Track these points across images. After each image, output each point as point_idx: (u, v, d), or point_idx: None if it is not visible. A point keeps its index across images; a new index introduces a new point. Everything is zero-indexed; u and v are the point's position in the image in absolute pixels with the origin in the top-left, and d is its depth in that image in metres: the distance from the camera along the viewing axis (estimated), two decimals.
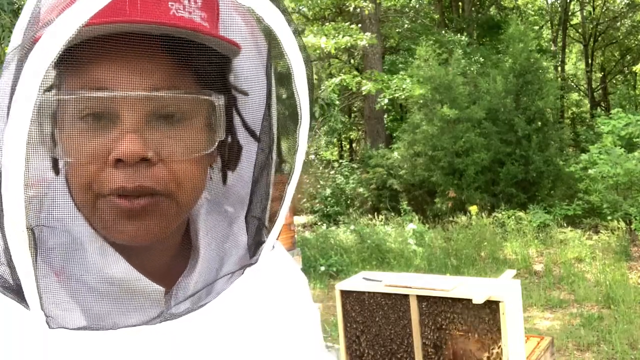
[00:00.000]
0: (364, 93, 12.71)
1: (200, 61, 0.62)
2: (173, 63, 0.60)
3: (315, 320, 0.86)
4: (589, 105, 21.92)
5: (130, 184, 0.58)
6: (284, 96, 0.66)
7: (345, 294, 2.84)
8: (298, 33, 0.62)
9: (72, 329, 0.56)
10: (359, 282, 2.88)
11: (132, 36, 0.57)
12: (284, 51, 0.61)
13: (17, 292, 0.54)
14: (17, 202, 0.50)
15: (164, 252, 0.68)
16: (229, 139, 0.70)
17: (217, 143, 0.65)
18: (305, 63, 0.63)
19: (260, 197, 0.69)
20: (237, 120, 0.71)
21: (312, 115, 0.67)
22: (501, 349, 2.48)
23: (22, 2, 8.14)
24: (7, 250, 0.52)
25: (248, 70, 0.68)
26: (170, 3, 0.59)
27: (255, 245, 0.69)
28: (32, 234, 0.53)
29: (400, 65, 15.27)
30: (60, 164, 0.64)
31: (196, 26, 0.60)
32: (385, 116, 17.18)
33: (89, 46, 0.55)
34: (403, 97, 12.40)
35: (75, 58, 0.54)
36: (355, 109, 21.52)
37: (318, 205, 13.98)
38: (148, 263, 0.65)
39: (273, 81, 0.67)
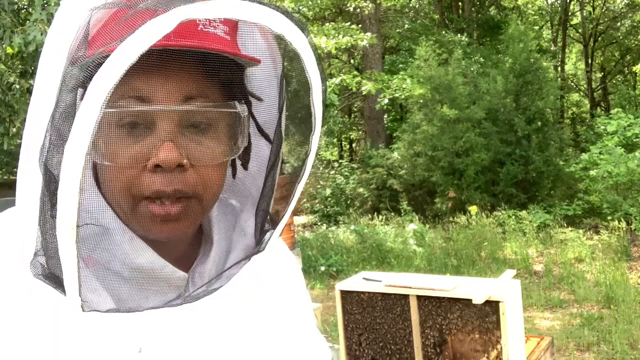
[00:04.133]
0: (364, 93, 12.71)
1: (226, 73, 0.69)
2: (202, 76, 0.68)
3: (309, 304, 0.96)
4: (589, 105, 21.92)
5: (168, 188, 0.66)
6: (300, 106, 0.73)
7: (345, 294, 2.84)
8: (317, 53, 0.70)
9: (102, 312, 0.62)
10: (359, 282, 2.89)
11: (165, 53, 0.63)
12: (306, 70, 0.68)
13: (54, 280, 0.60)
14: (73, 205, 0.56)
15: (182, 241, 0.75)
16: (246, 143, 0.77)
17: (242, 149, 0.73)
18: (322, 80, 0.71)
19: (269, 193, 0.76)
20: (252, 125, 0.78)
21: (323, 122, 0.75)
22: (501, 349, 2.48)
23: (23, 2, 8.14)
24: (53, 244, 0.58)
25: (266, 79, 0.75)
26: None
27: (262, 235, 0.76)
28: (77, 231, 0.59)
29: (400, 65, 15.28)
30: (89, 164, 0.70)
31: (223, 44, 0.67)
32: (385, 116, 17.18)
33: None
34: (403, 97, 12.40)
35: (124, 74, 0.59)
36: (355, 109, 21.53)
37: (318, 205, 13.98)
38: (169, 251, 0.71)
39: (288, 93, 0.74)
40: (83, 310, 0.61)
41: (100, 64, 0.55)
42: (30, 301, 0.67)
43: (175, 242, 0.73)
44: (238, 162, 0.80)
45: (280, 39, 0.67)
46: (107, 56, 0.56)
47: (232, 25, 0.69)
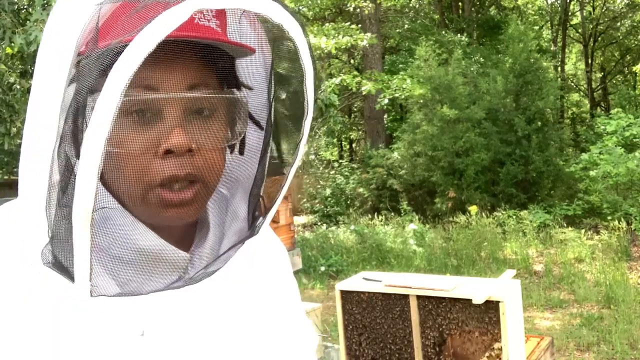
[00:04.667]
0: (364, 93, 12.71)
1: (222, 62, 0.73)
2: (202, 65, 0.71)
3: (295, 287, 0.99)
4: (589, 105, 21.92)
5: (181, 172, 0.69)
6: (293, 92, 0.76)
7: (345, 294, 2.84)
8: (309, 39, 0.73)
9: (110, 296, 0.64)
10: (359, 282, 2.89)
11: (170, 43, 0.65)
12: (301, 57, 0.72)
13: (62, 268, 0.62)
14: (92, 192, 0.58)
15: (180, 225, 0.77)
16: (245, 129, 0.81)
17: (244, 133, 0.77)
18: (314, 67, 0.74)
19: (261, 178, 0.79)
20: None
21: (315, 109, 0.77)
22: (501, 349, 2.49)
23: (23, 2, 8.14)
24: (64, 230, 0.60)
25: (258, 69, 0.79)
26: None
27: (254, 220, 0.79)
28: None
29: (400, 66, 15.28)
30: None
31: (216, 34, 0.70)
32: (385, 116, 17.18)
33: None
34: (403, 97, 12.40)
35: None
36: (355, 109, 21.53)
37: (318, 205, 13.98)
38: (168, 236, 0.73)
39: (280, 79, 0.77)
40: (91, 296, 0.62)
41: (119, 53, 0.58)
42: (30, 301, 0.68)
43: (174, 226, 0.76)
44: (235, 151, 0.83)
45: (278, 29, 0.70)
46: (125, 46, 0.58)
47: (222, 19, 0.73)
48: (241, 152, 0.82)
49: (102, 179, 0.69)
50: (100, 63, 0.59)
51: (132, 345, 0.70)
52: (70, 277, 0.61)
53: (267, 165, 0.78)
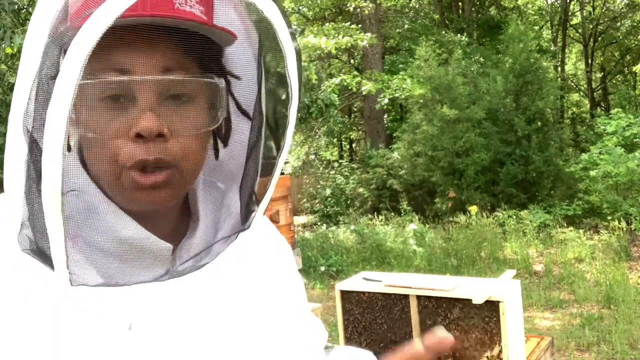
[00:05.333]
0: (364, 93, 12.72)
1: (203, 48, 0.71)
2: (180, 50, 0.70)
3: (300, 284, 0.97)
4: (589, 105, 21.91)
5: (150, 156, 0.67)
6: (276, 78, 0.74)
7: (345, 294, 2.84)
8: (290, 25, 0.71)
9: (91, 286, 0.63)
10: (359, 282, 2.89)
11: (145, 27, 0.66)
12: (280, 40, 0.70)
13: (41, 254, 0.61)
14: (57, 170, 0.58)
15: (168, 218, 0.77)
16: (224, 119, 0.79)
17: (221, 120, 0.75)
18: (296, 51, 0.72)
19: (252, 170, 0.77)
20: (231, 102, 0.80)
21: (301, 94, 0.75)
22: (501, 349, 2.49)
23: (23, 2, 8.15)
24: (39, 214, 0.59)
25: (243, 57, 0.77)
26: None
27: (247, 213, 0.77)
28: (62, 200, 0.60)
29: (400, 66, 15.27)
30: (73, 139, 0.72)
31: (198, 18, 0.69)
32: (385, 116, 17.18)
33: (110, 35, 0.61)
34: (403, 97, 12.40)
35: (100, 45, 0.60)
36: (355, 109, 21.52)
37: (318, 205, 13.98)
38: (155, 227, 0.72)
39: (264, 66, 0.75)
40: (72, 285, 0.62)
41: (74, 34, 0.58)
42: (30, 301, 0.67)
43: (162, 217, 0.75)
44: (220, 142, 0.81)
45: (250, 6, 0.69)
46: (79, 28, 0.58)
47: (208, 5, 0.72)
48: (225, 143, 0.81)
49: (85, 166, 0.70)
50: (60, 44, 0.60)
51: (119, 339, 0.69)
52: (50, 264, 0.61)
53: (260, 156, 0.76)
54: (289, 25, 0.71)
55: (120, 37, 0.64)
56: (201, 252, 0.74)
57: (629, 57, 22.71)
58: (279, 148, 0.76)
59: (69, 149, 0.70)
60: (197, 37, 0.70)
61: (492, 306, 2.50)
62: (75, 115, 0.65)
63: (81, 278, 0.63)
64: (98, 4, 0.58)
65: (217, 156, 0.82)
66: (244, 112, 0.79)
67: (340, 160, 18.39)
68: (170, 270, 0.71)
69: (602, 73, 23.61)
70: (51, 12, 0.63)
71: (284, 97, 0.74)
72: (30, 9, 7.63)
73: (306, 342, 0.94)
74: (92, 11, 0.58)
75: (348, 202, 13.84)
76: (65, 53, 0.58)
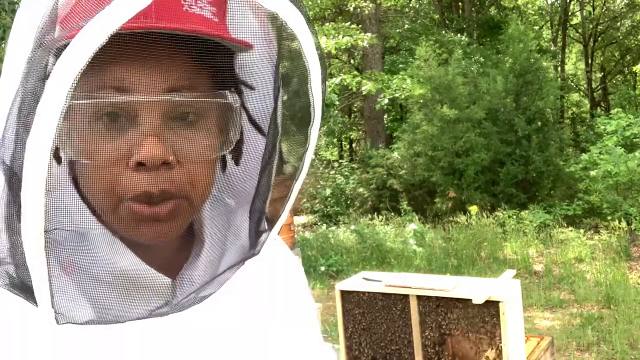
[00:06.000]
0: (364, 93, 12.71)
1: (215, 60, 0.62)
2: (188, 63, 0.61)
3: (313, 313, 0.87)
4: (589, 105, 21.91)
5: (154, 188, 0.59)
6: (297, 95, 0.66)
7: (345, 294, 2.84)
8: (316, 35, 0.63)
9: (80, 324, 0.56)
10: (359, 282, 2.89)
11: (149, 37, 0.56)
12: (304, 53, 0.62)
13: (24, 289, 0.54)
14: (38, 207, 0.50)
15: (169, 245, 0.68)
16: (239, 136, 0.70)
17: (234, 144, 0.66)
18: (322, 66, 0.64)
19: (264, 192, 0.68)
20: (244, 116, 0.71)
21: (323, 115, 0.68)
22: (501, 349, 2.49)
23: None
24: (20, 251, 0.52)
25: (260, 66, 0.68)
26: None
27: (256, 238, 0.69)
28: (46, 236, 0.52)
29: (400, 65, 15.27)
30: (64, 161, 0.64)
31: (209, 28, 0.60)
32: (385, 116, 17.18)
33: (107, 45, 0.52)
34: (403, 97, 12.40)
35: (94, 58, 0.51)
36: (355, 109, 21.52)
37: (318, 205, 13.97)
38: (154, 256, 0.65)
39: (282, 80, 0.67)
40: (58, 323, 0.55)
41: (66, 47, 0.49)
42: (14, 335, 0.61)
43: (160, 246, 0.66)
44: (229, 157, 0.73)
45: (274, 18, 0.60)
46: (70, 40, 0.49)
47: (221, 5, 0.62)
48: (237, 163, 0.72)
49: (76, 185, 0.62)
50: (47, 58, 0.50)
51: None
52: (34, 301, 0.54)
53: (272, 176, 0.67)
54: (315, 34, 0.62)
55: (120, 48, 0.55)
56: (205, 283, 0.65)
57: (629, 57, 22.71)
58: (295, 172, 0.67)
59: (58, 161, 0.63)
60: (207, 45, 0.60)
61: (492, 306, 2.50)
62: (65, 137, 0.56)
63: (69, 316, 0.55)
64: (92, 14, 0.49)
65: (224, 169, 0.73)
66: (258, 127, 0.70)
67: (340, 160, 18.38)
68: (170, 302, 0.62)
69: (602, 73, 23.61)
70: (37, 15, 0.53)
71: (304, 117, 0.65)
72: None
73: None
74: (85, 23, 0.49)
75: (348, 202, 13.83)
76: (51, 67, 0.50)
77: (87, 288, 0.59)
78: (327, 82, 0.66)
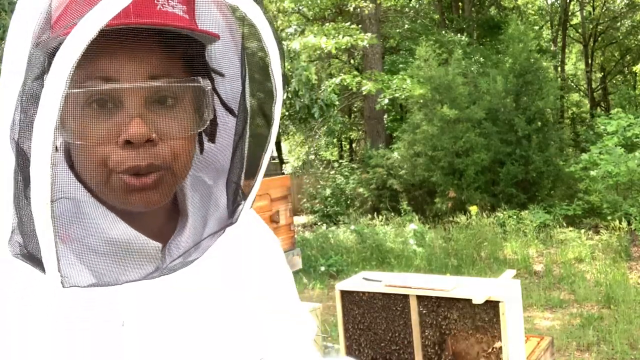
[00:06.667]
0: (364, 93, 12.72)
1: (187, 49, 0.73)
2: (165, 54, 0.71)
3: (287, 274, 0.99)
4: (589, 105, 21.91)
5: (142, 162, 0.69)
6: (261, 77, 0.76)
7: (345, 294, 2.84)
8: (272, 23, 0.73)
9: (83, 287, 0.64)
10: (359, 282, 2.89)
11: (129, 32, 0.66)
12: (263, 40, 0.72)
13: (32, 258, 0.62)
14: (46, 180, 0.59)
15: (157, 216, 0.79)
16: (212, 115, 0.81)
17: (208, 121, 0.77)
18: (280, 50, 0.74)
19: (239, 165, 0.79)
20: (216, 99, 0.82)
21: (284, 91, 0.78)
22: (501, 349, 2.49)
23: None
24: (28, 221, 0.60)
25: (227, 54, 0.78)
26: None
27: (234, 207, 0.79)
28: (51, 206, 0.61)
29: (400, 65, 15.27)
30: (59, 142, 0.73)
31: (181, 22, 0.70)
32: (385, 116, 17.18)
33: (95, 42, 0.61)
34: (403, 97, 12.40)
35: (85, 53, 0.60)
36: (355, 109, 21.52)
37: (318, 205, 13.98)
38: (144, 226, 0.74)
39: (248, 63, 0.77)
40: (63, 287, 0.63)
41: (61, 43, 0.58)
42: (26, 299, 0.69)
43: (150, 216, 0.77)
44: (205, 138, 0.83)
45: (235, 11, 0.71)
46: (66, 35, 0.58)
47: (190, 3, 0.73)
48: (212, 140, 0.83)
49: (74, 169, 0.72)
50: (46, 54, 0.61)
51: (113, 336, 0.71)
52: (42, 268, 0.62)
53: (245, 151, 0.78)
54: (271, 23, 0.72)
55: (105, 43, 0.64)
56: (190, 249, 0.75)
57: (629, 57, 22.71)
58: (263, 146, 0.77)
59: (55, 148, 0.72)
60: (180, 38, 0.71)
61: (492, 306, 2.50)
62: (62, 123, 0.66)
63: (73, 280, 0.64)
64: (82, 14, 0.59)
65: (202, 150, 0.84)
66: (229, 109, 0.81)
67: (340, 160, 18.39)
68: (160, 267, 0.72)
69: (602, 73, 23.61)
70: (33, 17, 0.63)
71: (268, 94, 0.76)
72: None
73: (294, 333, 0.97)
74: (76, 21, 0.58)
75: (348, 202, 13.84)
76: (50, 62, 0.59)
77: (87, 255, 0.68)
78: (284, 62, 0.76)
